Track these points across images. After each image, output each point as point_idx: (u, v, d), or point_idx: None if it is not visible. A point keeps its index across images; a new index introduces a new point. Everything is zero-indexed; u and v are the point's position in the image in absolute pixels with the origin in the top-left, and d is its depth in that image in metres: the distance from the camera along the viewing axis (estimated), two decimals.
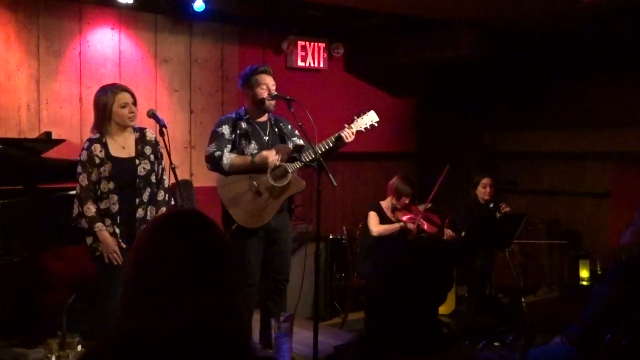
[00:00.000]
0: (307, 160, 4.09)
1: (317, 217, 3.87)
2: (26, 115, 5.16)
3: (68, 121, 5.33)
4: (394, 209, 5.50)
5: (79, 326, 4.29)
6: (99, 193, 3.80)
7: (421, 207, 5.55)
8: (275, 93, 4.16)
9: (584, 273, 6.74)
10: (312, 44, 6.55)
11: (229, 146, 4.13)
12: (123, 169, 3.84)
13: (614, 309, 2.97)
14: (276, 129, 4.26)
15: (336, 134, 4.13)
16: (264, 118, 4.24)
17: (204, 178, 5.58)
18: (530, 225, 6.89)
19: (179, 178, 4.05)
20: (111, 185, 3.80)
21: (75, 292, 4.61)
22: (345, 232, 5.67)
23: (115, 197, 3.80)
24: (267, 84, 4.14)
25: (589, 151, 7.14)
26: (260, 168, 4.07)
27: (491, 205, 5.94)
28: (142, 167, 3.89)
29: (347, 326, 5.44)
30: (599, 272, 6.64)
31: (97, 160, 3.80)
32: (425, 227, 5.47)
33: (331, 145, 4.10)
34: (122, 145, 3.88)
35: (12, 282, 4.54)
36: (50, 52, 5.24)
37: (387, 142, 7.30)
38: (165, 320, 1.23)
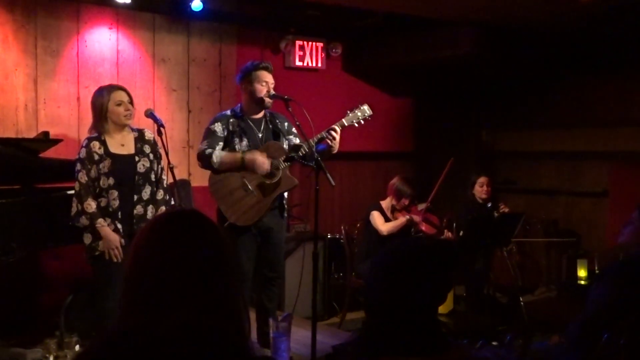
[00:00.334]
0: (301, 154, 4.08)
1: (315, 217, 3.87)
2: (24, 115, 5.15)
3: (66, 121, 5.32)
4: (393, 210, 5.49)
5: (76, 326, 4.29)
6: (97, 190, 3.80)
7: (420, 207, 5.55)
8: (274, 93, 4.15)
9: (582, 272, 6.75)
10: (310, 43, 6.55)
11: (221, 144, 4.12)
12: (122, 165, 3.85)
13: (611, 308, 2.97)
14: (271, 125, 4.25)
15: (319, 135, 4.07)
16: (260, 115, 4.22)
17: (202, 178, 5.58)
18: (529, 225, 6.91)
19: (177, 178, 4.05)
20: (111, 181, 3.80)
21: (73, 292, 4.60)
22: (343, 231, 5.67)
23: (115, 193, 3.80)
24: (267, 82, 4.13)
25: (587, 151, 7.15)
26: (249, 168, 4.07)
27: (489, 205, 5.94)
28: (142, 164, 3.90)
29: (345, 326, 5.45)
30: (597, 272, 6.66)
31: (96, 157, 3.80)
32: (424, 228, 5.47)
33: (312, 144, 3.99)
34: (121, 143, 3.90)
35: (10, 282, 4.53)
36: (47, 52, 5.24)
37: (386, 142, 7.30)
38: (164, 320, 1.23)
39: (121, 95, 3.86)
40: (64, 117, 5.32)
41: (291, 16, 6.11)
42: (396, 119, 7.39)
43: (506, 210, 5.91)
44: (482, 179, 5.95)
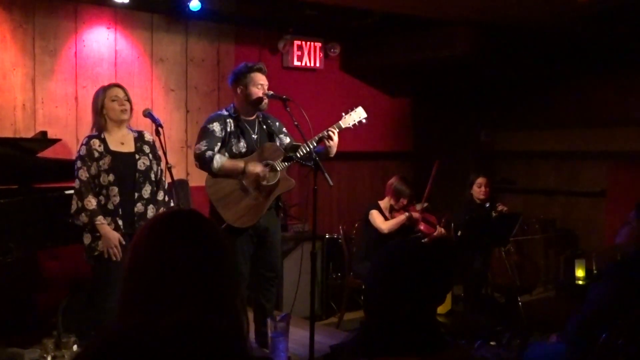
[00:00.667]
0: (300, 155, 4.08)
1: (313, 217, 3.87)
2: (22, 114, 5.15)
3: (64, 121, 5.31)
4: (391, 210, 5.50)
5: (74, 326, 4.28)
6: (97, 188, 3.80)
7: (418, 207, 5.56)
8: (271, 92, 4.15)
9: (580, 272, 6.76)
10: (308, 43, 6.54)
11: (219, 144, 4.10)
12: (122, 162, 3.86)
13: (609, 308, 2.98)
14: (264, 127, 4.25)
15: (317, 136, 4.09)
16: (253, 116, 4.22)
17: (200, 178, 5.55)
18: (526, 225, 6.91)
19: (175, 178, 4.05)
20: (111, 177, 3.81)
21: (71, 292, 4.60)
22: (341, 231, 5.67)
23: (115, 190, 3.81)
24: (262, 84, 4.13)
25: (585, 151, 7.16)
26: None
27: (487, 205, 5.95)
28: (142, 162, 3.92)
29: (343, 326, 5.45)
30: (595, 272, 6.67)
31: (96, 154, 3.81)
32: (422, 227, 5.47)
33: (312, 147, 4.02)
34: (120, 142, 3.92)
35: (8, 282, 4.52)
36: (45, 52, 5.23)
37: (384, 142, 7.30)
38: (163, 320, 1.23)
39: (116, 92, 3.90)
40: (62, 117, 5.31)
41: (289, 16, 6.10)
42: (394, 119, 7.40)
43: (504, 209, 5.91)
44: (480, 180, 5.95)
